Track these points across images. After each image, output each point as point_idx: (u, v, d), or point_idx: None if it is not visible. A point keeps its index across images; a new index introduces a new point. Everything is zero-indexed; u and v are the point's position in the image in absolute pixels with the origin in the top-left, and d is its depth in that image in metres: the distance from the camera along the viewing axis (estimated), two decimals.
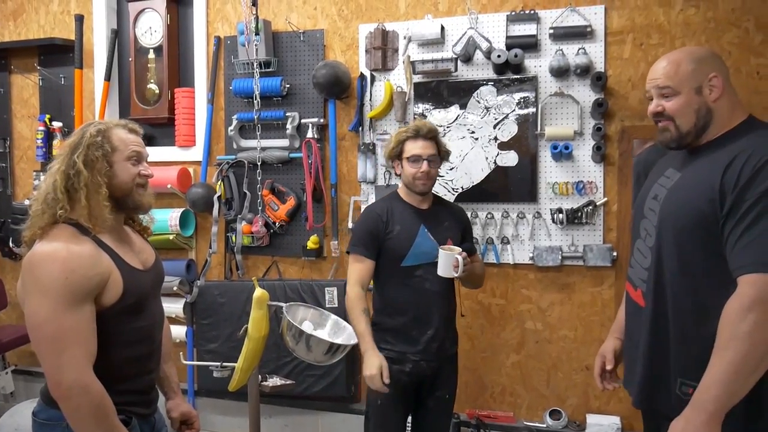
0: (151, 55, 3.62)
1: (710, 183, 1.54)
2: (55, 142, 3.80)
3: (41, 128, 3.82)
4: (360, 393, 3.32)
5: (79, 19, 3.68)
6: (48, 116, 3.84)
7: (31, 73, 3.94)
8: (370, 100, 3.18)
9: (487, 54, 2.95)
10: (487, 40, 2.95)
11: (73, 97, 3.76)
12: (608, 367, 1.95)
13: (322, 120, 3.26)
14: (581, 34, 2.85)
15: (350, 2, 3.25)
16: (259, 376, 2.79)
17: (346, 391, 3.22)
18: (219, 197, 3.36)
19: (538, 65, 2.95)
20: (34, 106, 3.95)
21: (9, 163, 4.01)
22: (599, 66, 2.86)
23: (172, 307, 3.45)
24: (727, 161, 1.53)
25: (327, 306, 3.12)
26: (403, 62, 3.11)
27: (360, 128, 3.19)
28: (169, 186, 3.40)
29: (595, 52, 2.86)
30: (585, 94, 2.86)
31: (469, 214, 3.03)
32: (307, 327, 2.62)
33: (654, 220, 1.69)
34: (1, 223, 3.91)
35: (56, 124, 3.81)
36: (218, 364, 2.84)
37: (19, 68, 3.97)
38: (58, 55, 3.84)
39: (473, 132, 3.02)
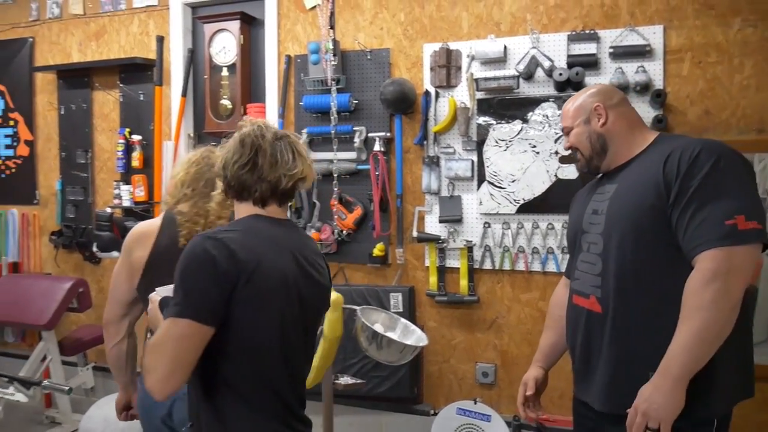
0: (225, 72, 3.86)
1: (653, 177, 1.69)
2: (134, 154, 4.07)
3: (121, 141, 4.09)
4: (422, 394, 3.47)
5: (160, 40, 3.95)
6: (128, 130, 4.11)
7: (112, 90, 4.22)
8: (435, 115, 3.35)
9: (549, 72, 3.09)
10: (549, 58, 3.10)
11: (150, 111, 4.03)
12: (528, 392, 2.08)
13: (388, 134, 3.44)
14: (640, 53, 2.97)
15: (415, 23, 3.43)
16: (333, 375, 2.97)
17: (409, 392, 3.37)
18: (290, 206, 3.57)
19: (598, 83, 3.08)
20: (114, 121, 4.23)
21: (91, 173, 4.30)
22: (658, 83, 2.97)
23: None
24: (663, 158, 1.70)
25: (392, 310, 3.28)
26: (467, 79, 3.28)
27: (425, 142, 3.36)
28: None
29: (654, 70, 2.97)
30: (644, 110, 2.98)
31: (530, 225, 3.19)
32: (378, 329, 2.79)
33: (599, 229, 1.84)
34: (83, 229, 4.19)
35: (135, 138, 4.08)
36: None
37: (102, 85, 4.25)
38: (138, 73, 4.12)
39: (534, 146, 3.16)
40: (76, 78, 4.31)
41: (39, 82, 4.50)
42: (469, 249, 3.29)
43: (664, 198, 1.66)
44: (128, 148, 4.10)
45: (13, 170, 4.61)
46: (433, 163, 3.34)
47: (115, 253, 3.87)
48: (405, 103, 3.34)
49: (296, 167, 1.56)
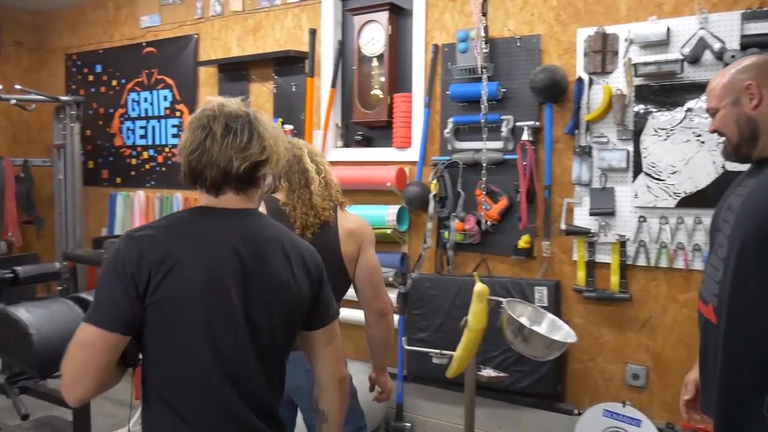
0: (373, 63, 3.93)
1: None
2: None
3: None
4: (565, 392, 3.36)
5: (312, 33, 4.10)
6: (281, 120, 4.31)
7: (267, 82, 4.45)
8: (587, 103, 3.21)
9: (719, 54, 2.85)
10: (720, 39, 2.85)
11: (302, 102, 4.20)
12: (684, 397, 1.87)
13: (537, 123, 3.34)
14: None
15: (568, 7, 3.30)
16: (475, 366, 2.95)
17: (552, 388, 3.28)
18: (434, 196, 3.57)
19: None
20: (268, 111, 4.46)
21: None
22: None
23: None
24: None
25: (537, 304, 3.19)
26: (624, 65, 3.10)
27: (576, 131, 3.23)
28: (388, 184, 3.68)
29: None
30: None
31: (691, 220, 2.97)
32: (525, 322, 2.73)
33: (727, 230, 1.59)
34: None
35: (287, 127, 4.27)
36: (437, 351, 3.04)
37: (258, 78, 4.49)
38: (291, 65, 4.30)
39: (699, 135, 2.93)
40: (235, 71, 4.59)
41: (202, 76, 4.83)
42: (622, 244, 3.12)
43: None
44: None
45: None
46: (585, 153, 3.20)
47: None
48: (556, 91, 3.22)
49: (251, 148, 1.40)
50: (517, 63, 3.44)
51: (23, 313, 2.50)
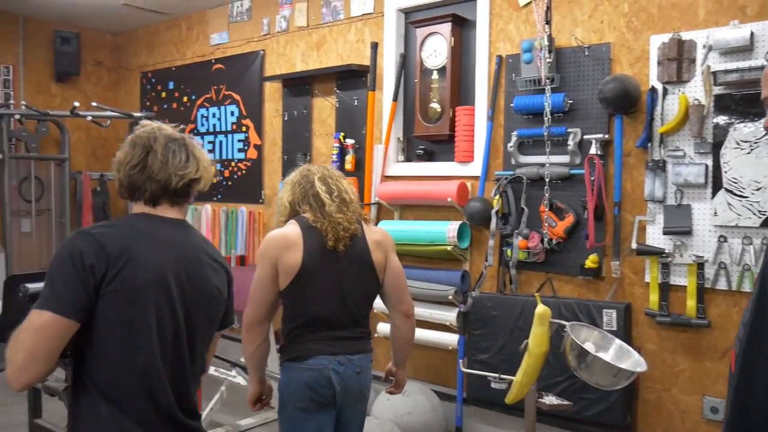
0: (435, 75, 3.85)
1: None
2: (347, 157, 4.23)
3: (336, 145, 4.28)
4: (636, 424, 3.13)
5: (374, 47, 4.06)
6: (342, 134, 4.28)
7: (329, 96, 4.44)
8: (661, 114, 3.01)
9: None
10: None
11: (363, 116, 4.16)
12: None
13: (606, 136, 3.16)
14: None
15: (641, 13, 3.12)
16: (536, 393, 2.79)
17: (621, 419, 3.06)
18: (496, 212, 3.44)
19: None
20: (330, 125, 4.45)
21: None
22: None
23: (446, 315, 3.62)
24: None
25: (604, 328, 3.00)
26: (702, 73, 2.89)
27: (649, 144, 3.03)
28: (449, 200, 3.58)
29: None
30: None
31: None
32: (589, 348, 2.55)
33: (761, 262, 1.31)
34: None
35: (349, 141, 4.24)
36: (496, 375, 2.90)
37: (320, 92, 4.49)
38: (353, 79, 4.28)
39: None
40: (299, 86, 4.61)
41: (267, 91, 4.89)
42: (700, 265, 2.89)
43: None
44: (342, 152, 4.27)
45: (244, 172, 5.07)
46: (659, 167, 3.00)
47: None
48: (627, 102, 3.04)
49: (188, 168, 1.56)
50: (585, 73, 3.27)
51: None
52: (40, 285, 3.08)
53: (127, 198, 1.59)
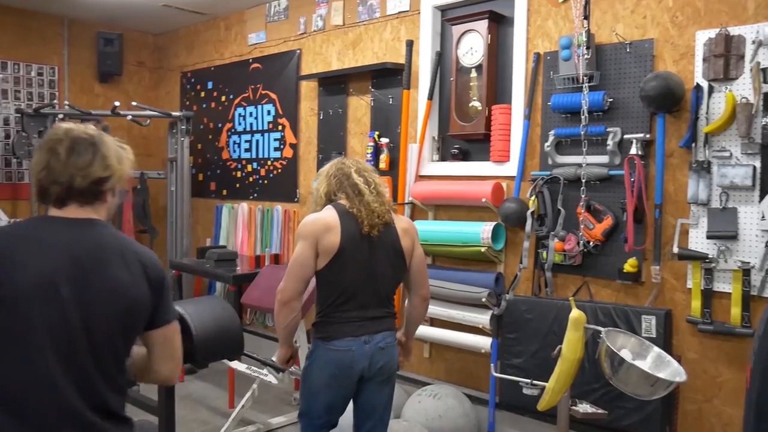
0: (471, 74, 3.78)
1: None
2: (382, 157, 4.19)
3: (371, 144, 4.25)
4: None
5: (409, 44, 4.01)
6: (377, 133, 4.25)
7: (364, 95, 4.41)
8: (707, 113, 2.88)
9: None
10: None
11: (398, 115, 4.12)
12: None
13: (647, 135, 3.05)
14: None
15: (686, 8, 2.99)
16: (570, 400, 2.70)
17: (660, 430, 2.94)
18: (532, 213, 3.35)
19: None
20: (365, 124, 4.42)
21: None
22: None
23: (479, 317, 3.55)
24: None
25: (643, 335, 2.89)
26: (751, 70, 2.76)
27: (693, 144, 2.90)
28: (483, 200, 3.50)
29: None
30: None
31: None
32: (626, 355, 2.46)
33: None
34: None
35: (383, 140, 4.20)
36: (528, 381, 2.82)
37: (356, 91, 4.47)
38: (388, 77, 4.24)
39: None
40: (334, 85, 4.59)
41: (303, 90, 4.89)
42: (745, 272, 2.76)
43: None
44: (377, 151, 4.24)
45: (279, 171, 5.08)
46: (703, 169, 2.87)
47: None
48: (670, 100, 2.92)
49: (92, 167, 1.56)
50: (627, 70, 3.16)
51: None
52: None
53: (41, 202, 1.60)
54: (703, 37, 2.90)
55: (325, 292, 2.42)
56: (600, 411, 2.70)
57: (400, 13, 4.19)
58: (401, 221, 2.53)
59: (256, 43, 5.28)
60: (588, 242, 3.20)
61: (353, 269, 2.36)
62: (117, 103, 5.12)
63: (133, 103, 5.21)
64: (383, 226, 2.40)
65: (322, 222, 2.35)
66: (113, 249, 1.60)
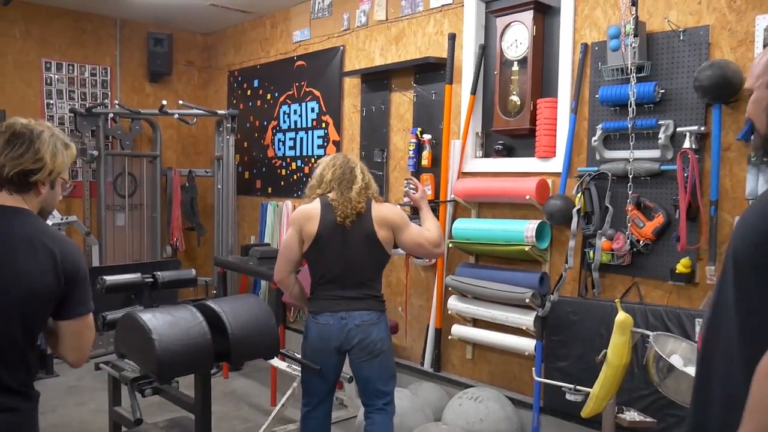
0: (516, 67, 3.66)
1: None
2: (424, 153, 4.11)
3: (413, 140, 4.17)
4: None
5: (452, 38, 3.92)
6: (420, 129, 4.17)
7: (407, 91, 4.34)
8: None
9: None
10: None
11: (441, 110, 4.03)
12: None
13: (702, 128, 2.87)
14: None
15: None
16: (616, 407, 2.57)
17: None
18: (578, 210, 3.21)
19: None
20: (407, 121, 4.34)
21: (386, 171, 4.48)
22: None
23: (523, 319, 3.43)
24: None
25: (696, 340, 2.72)
26: None
27: (752, 136, 2.72)
28: (527, 197, 3.38)
29: None
30: None
31: None
32: (676, 361, 2.31)
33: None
34: None
35: (426, 137, 4.11)
36: (572, 386, 2.70)
37: (398, 86, 4.40)
38: (431, 72, 4.15)
39: None
40: (377, 81, 4.54)
41: (346, 87, 4.85)
42: None
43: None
44: (419, 147, 4.16)
45: None
46: (763, 163, 2.68)
47: (400, 250, 3.96)
48: (727, 90, 2.74)
49: (23, 158, 1.68)
50: (680, 59, 2.99)
51: (149, 318, 2.57)
52: (117, 277, 3.17)
53: None
54: (764, 22, 2.72)
55: (312, 272, 2.78)
56: (648, 419, 2.55)
57: (443, 6, 4.09)
58: (380, 211, 2.74)
59: (301, 41, 5.28)
60: (638, 241, 3.05)
61: (331, 254, 2.69)
62: (164, 102, 5.21)
63: (180, 102, 5.29)
64: (356, 216, 2.67)
65: (306, 212, 2.72)
66: (23, 238, 1.68)
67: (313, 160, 5.16)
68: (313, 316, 2.75)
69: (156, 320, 2.58)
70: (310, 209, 2.73)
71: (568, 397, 2.70)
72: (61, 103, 5.62)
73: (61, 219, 4.92)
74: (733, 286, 1.21)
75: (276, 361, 3.91)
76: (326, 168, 2.80)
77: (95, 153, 5.26)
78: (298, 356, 3.45)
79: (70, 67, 5.68)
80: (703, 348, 1.32)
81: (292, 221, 2.77)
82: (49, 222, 4.80)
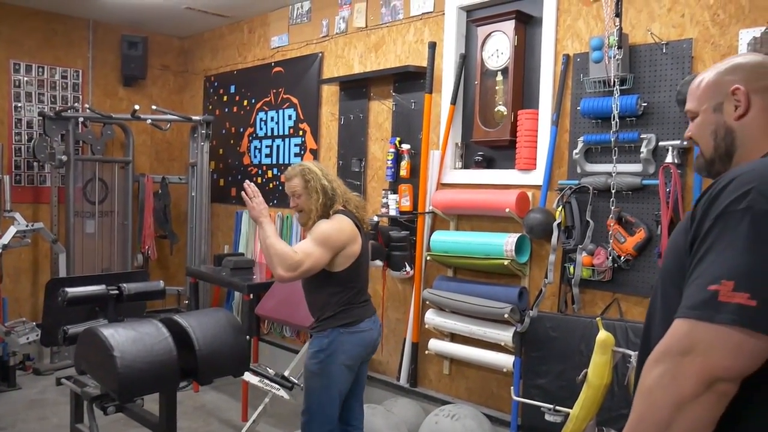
0: (497, 77, 3.60)
1: (691, 213, 1.19)
2: (403, 164, 4.03)
3: (391, 150, 4.09)
4: None
5: (432, 47, 3.85)
6: (398, 139, 4.09)
7: (386, 99, 4.26)
8: None
9: None
10: None
11: (420, 120, 3.95)
12: None
13: (685, 142, 2.83)
14: None
15: (729, 5, 2.77)
16: (596, 429, 2.50)
17: None
18: (559, 224, 3.15)
19: None
20: (386, 130, 4.26)
21: (363, 181, 4.39)
22: None
23: (501, 334, 3.35)
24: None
25: None
26: None
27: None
28: (507, 210, 3.31)
29: None
30: None
31: None
32: None
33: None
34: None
35: (405, 146, 4.03)
36: (551, 406, 2.62)
37: (377, 95, 4.32)
38: (410, 81, 4.08)
39: None
40: (356, 89, 4.45)
41: (324, 94, 4.76)
42: None
43: (689, 241, 1.17)
44: (397, 157, 4.08)
45: None
46: None
47: (378, 262, 3.87)
48: None
49: None
50: (663, 72, 2.95)
51: (111, 333, 2.45)
52: (80, 289, 3.03)
53: None
54: (747, 36, 2.68)
55: (346, 285, 2.74)
56: None
57: (423, 14, 4.03)
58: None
59: (279, 47, 5.18)
60: (619, 256, 2.99)
61: (364, 264, 2.82)
62: (137, 107, 5.07)
63: (153, 107, 5.15)
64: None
65: (352, 233, 2.72)
66: None
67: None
68: (348, 327, 2.71)
69: (118, 336, 2.46)
70: (352, 229, 2.75)
71: (548, 417, 2.62)
72: (30, 106, 5.44)
73: (27, 225, 4.75)
74: (661, 295, 1.25)
75: (248, 375, 3.79)
76: (331, 179, 2.83)
77: (64, 158, 5.09)
78: (271, 372, 3.35)
79: (40, 70, 5.51)
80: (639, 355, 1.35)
81: (330, 242, 2.65)
82: (14, 228, 4.63)
